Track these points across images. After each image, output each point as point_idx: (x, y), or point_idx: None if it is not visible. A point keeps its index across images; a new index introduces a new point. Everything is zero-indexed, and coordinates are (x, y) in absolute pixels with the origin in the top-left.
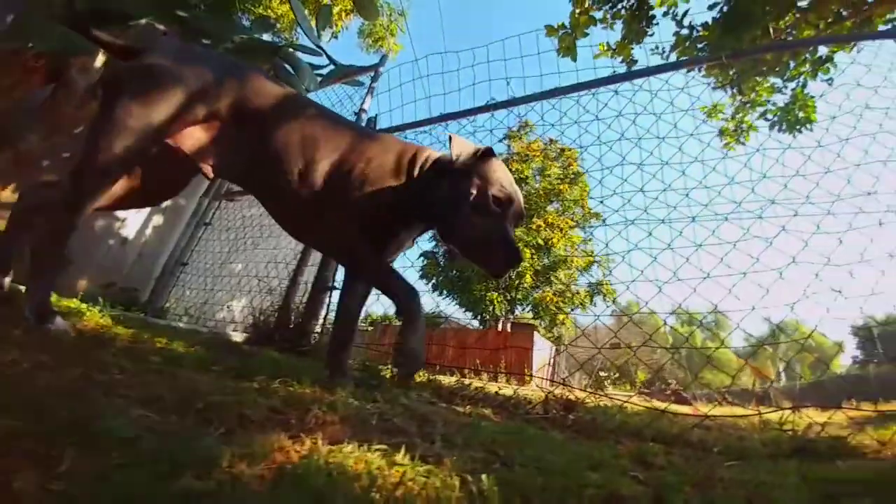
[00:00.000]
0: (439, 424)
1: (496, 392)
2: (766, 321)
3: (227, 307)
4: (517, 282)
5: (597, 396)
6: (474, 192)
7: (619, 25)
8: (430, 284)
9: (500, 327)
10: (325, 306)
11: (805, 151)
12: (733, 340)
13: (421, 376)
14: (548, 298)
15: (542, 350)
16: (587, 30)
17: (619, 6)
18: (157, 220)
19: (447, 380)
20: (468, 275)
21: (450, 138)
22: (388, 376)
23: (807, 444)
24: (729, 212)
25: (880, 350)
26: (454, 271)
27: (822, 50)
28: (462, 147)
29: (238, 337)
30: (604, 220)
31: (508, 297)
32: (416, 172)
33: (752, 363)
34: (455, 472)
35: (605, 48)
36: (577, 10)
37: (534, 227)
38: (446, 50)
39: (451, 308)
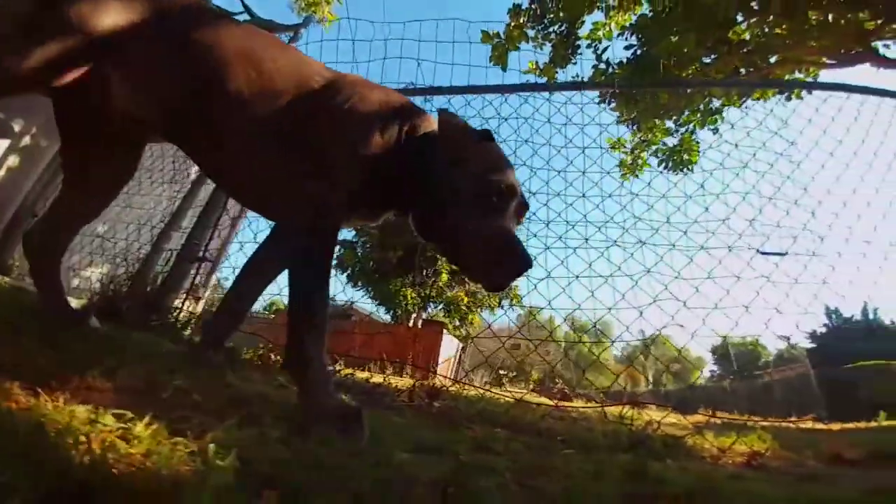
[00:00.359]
0: (256, 405)
1: (367, 379)
2: (641, 332)
3: (83, 272)
4: (433, 280)
5: (461, 385)
6: (474, 182)
7: (548, 47)
8: (346, 275)
9: (410, 323)
10: (189, 279)
11: (687, 190)
12: (614, 348)
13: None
14: (459, 297)
15: (449, 347)
16: (519, 44)
17: (551, 29)
18: (12, 160)
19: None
20: (386, 269)
21: (438, 114)
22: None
23: (644, 440)
24: (617, 237)
25: (735, 366)
26: (372, 263)
27: (716, 102)
28: (454, 127)
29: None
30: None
31: (423, 294)
32: (405, 140)
33: (628, 369)
34: (205, 446)
35: (535, 66)
36: (513, 24)
37: None
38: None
39: (363, 300)
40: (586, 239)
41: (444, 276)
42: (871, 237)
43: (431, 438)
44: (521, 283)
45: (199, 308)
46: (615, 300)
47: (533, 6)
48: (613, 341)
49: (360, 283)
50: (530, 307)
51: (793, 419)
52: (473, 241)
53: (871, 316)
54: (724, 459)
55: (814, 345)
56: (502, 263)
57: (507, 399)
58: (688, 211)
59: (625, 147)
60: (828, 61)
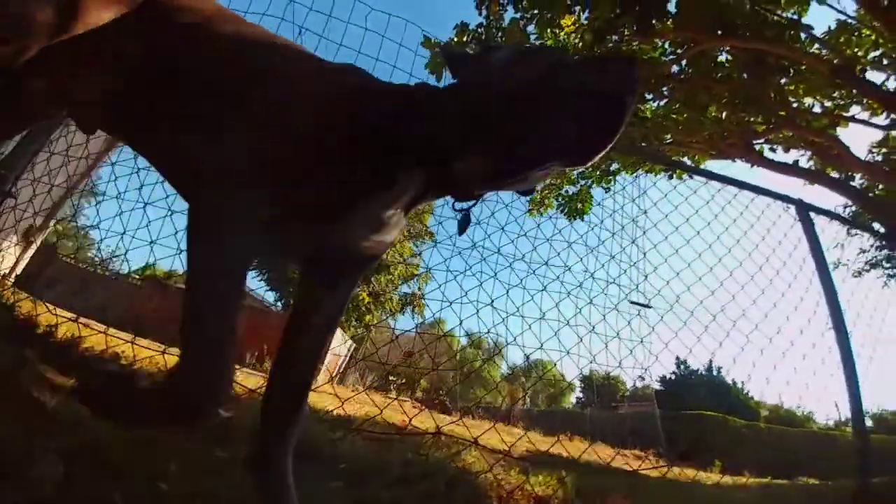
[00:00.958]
0: None
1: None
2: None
3: None
4: None
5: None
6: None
7: None
8: None
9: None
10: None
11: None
12: (503, 366)
13: None
14: (361, 296)
15: (339, 345)
16: None
17: None
18: None
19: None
20: None
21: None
22: None
23: (436, 472)
24: (510, 262)
25: (595, 398)
26: None
27: (614, 165)
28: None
29: None
30: (435, 243)
31: None
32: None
33: (509, 387)
34: None
35: None
36: (456, 40)
37: None
38: None
39: (258, 287)
40: (494, 274)
41: None
42: (715, 308)
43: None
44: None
45: (28, 256)
46: (506, 322)
47: (479, 30)
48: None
49: (255, 267)
50: (436, 318)
51: (636, 451)
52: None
53: (714, 372)
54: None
55: (661, 388)
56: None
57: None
58: (571, 254)
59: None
60: (712, 152)
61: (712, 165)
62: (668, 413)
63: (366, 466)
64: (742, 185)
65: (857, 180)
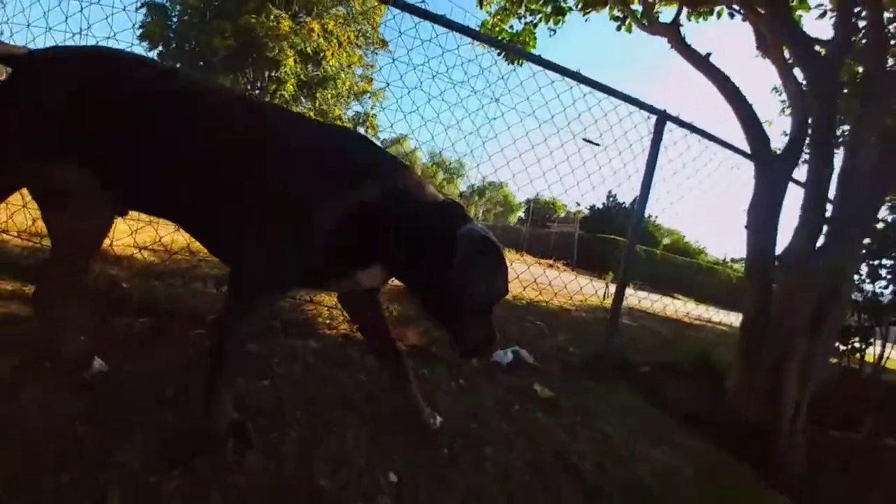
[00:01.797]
0: None
1: None
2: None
3: None
4: (275, 88)
5: None
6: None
7: None
8: (157, 51)
9: None
10: None
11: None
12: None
13: None
14: (311, 115)
15: None
16: None
17: None
18: None
19: None
20: (210, 61)
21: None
22: None
23: None
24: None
25: (531, 218)
26: (192, 45)
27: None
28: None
29: None
30: (393, 60)
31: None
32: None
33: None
34: None
35: None
36: None
37: (306, 29)
38: None
39: None
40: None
41: (291, 87)
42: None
43: None
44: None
45: None
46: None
47: None
48: None
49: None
50: (400, 136)
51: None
52: (470, 333)
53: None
54: None
55: (589, 215)
56: (483, 350)
57: None
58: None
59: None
60: None
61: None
62: (586, 235)
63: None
64: (610, 91)
65: None
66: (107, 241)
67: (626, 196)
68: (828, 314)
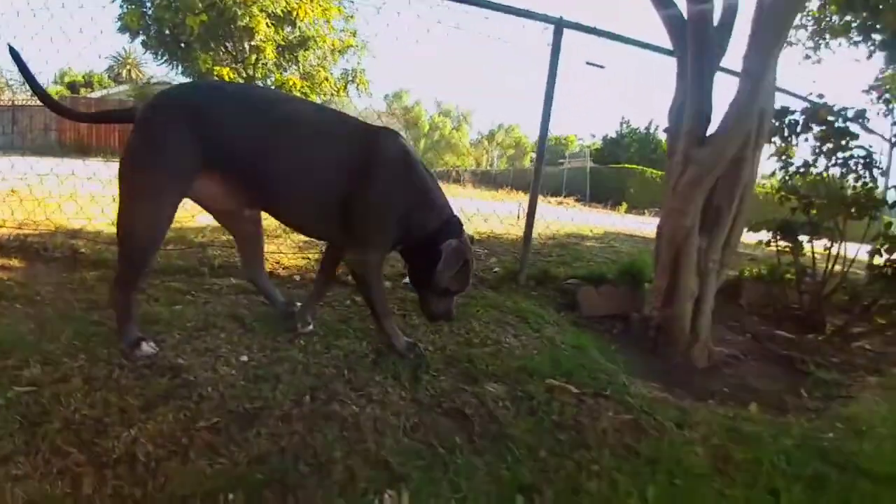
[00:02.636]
0: None
1: None
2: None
3: None
4: (255, 57)
5: None
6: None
7: None
8: (140, 41)
9: None
10: None
11: None
12: (470, 133)
13: None
14: (291, 82)
15: None
16: None
17: None
18: None
19: None
20: (188, 38)
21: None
22: None
23: None
24: None
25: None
26: (169, 28)
27: None
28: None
29: None
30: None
31: (245, 76)
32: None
33: (474, 152)
34: None
35: None
36: None
37: None
38: None
39: (174, 75)
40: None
41: (270, 53)
42: None
43: None
44: (368, 69)
45: None
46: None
47: None
48: None
49: (161, 54)
50: (399, 91)
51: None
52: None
53: (651, 130)
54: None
55: (602, 146)
56: (444, 319)
57: None
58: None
59: None
60: None
61: None
62: (598, 167)
63: None
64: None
65: None
66: None
67: (641, 121)
68: (723, 206)
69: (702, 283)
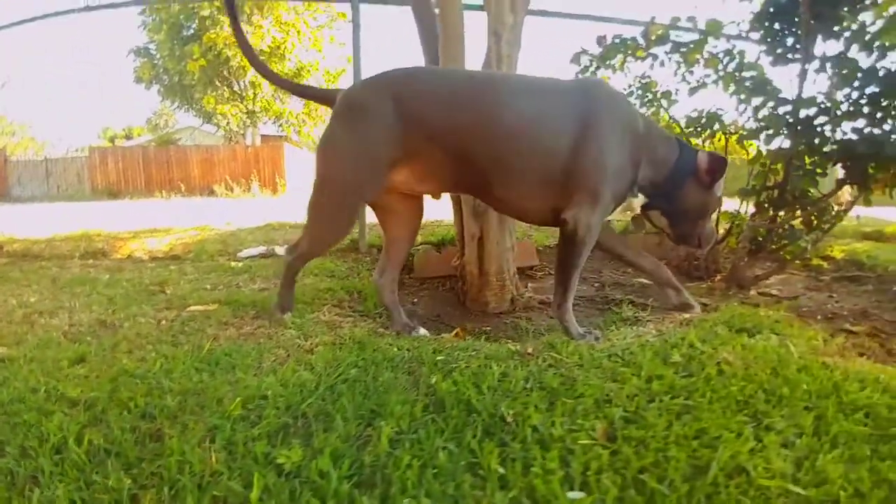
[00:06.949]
0: None
1: None
2: None
3: None
4: (253, 93)
5: None
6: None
7: None
8: (158, 92)
9: (248, 142)
10: None
11: None
12: None
13: None
14: (292, 115)
15: (301, 160)
16: None
17: None
18: None
19: None
20: (191, 82)
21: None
22: None
23: None
24: None
25: None
26: (177, 75)
27: None
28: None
29: None
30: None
31: (246, 110)
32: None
33: None
34: None
35: None
36: None
37: (257, 26)
38: None
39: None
40: None
41: (268, 85)
42: None
43: None
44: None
45: None
46: None
47: None
48: None
49: (177, 101)
50: None
51: None
52: (707, 236)
53: None
54: None
55: None
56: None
57: None
58: None
59: None
60: None
61: None
62: None
63: None
64: None
65: None
66: None
67: None
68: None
69: (481, 223)
